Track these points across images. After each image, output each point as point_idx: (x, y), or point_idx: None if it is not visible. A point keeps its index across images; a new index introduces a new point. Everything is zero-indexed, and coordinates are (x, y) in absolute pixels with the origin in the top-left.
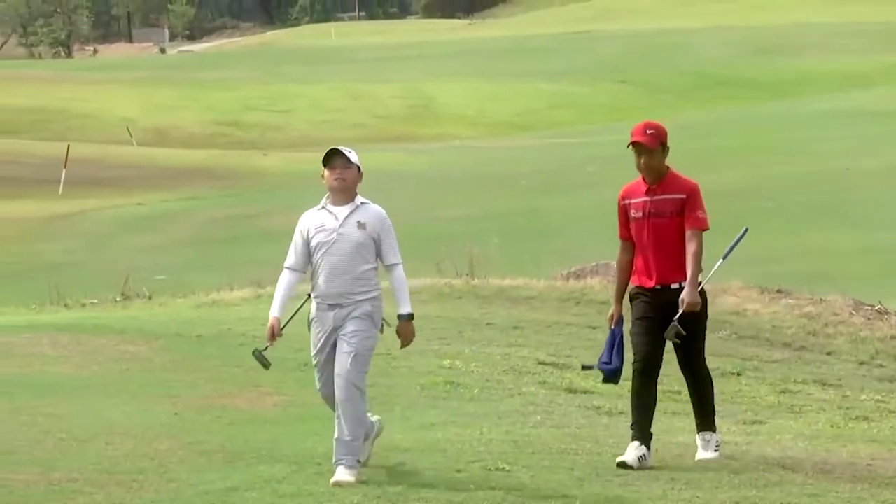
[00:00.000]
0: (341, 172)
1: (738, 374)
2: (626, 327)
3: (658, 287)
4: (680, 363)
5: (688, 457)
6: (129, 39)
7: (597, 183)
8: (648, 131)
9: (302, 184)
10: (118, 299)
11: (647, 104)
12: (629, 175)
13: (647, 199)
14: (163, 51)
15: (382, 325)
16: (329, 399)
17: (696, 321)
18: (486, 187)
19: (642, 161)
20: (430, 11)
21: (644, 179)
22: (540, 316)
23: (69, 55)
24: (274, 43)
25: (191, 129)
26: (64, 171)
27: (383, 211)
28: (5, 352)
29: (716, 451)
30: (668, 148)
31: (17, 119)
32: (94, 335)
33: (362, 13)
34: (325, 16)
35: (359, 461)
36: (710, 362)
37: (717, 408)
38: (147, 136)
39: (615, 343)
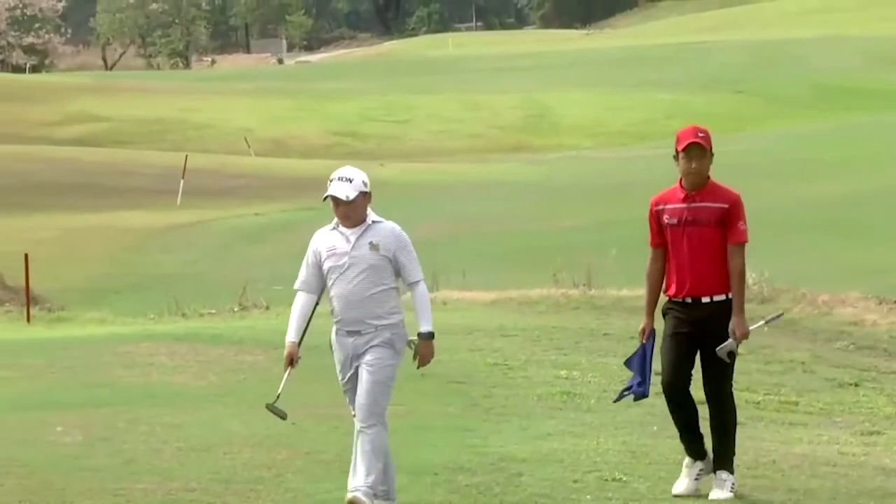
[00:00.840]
0: (346, 210)
1: (856, 385)
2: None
3: (689, 300)
4: (704, 388)
5: (805, 468)
6: (247, 50)
7: None
8: (700, 134)
9: (419, 194)
10: (236, 309)
11: (764, 114)
12: (745, 186)
13: (684, 205)
14: (280, 61)
15: (410, 343)
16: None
17: (727, 333)
18: (602, 197)
19: (693, 165)
20: (547, 22)
21: (682, 186)
22: (657, 326)
23: (187, 66)
24: (391, 53)
25: (308, 139)
26: (182, 182)
27: (398, 227)
28: (125, 361)
29: (731, 491)
30: (713, 154)
31: (136, 130)
32: (212, 345)
33: (479, 24)
34: (443, 26)
35: (375, 494)
36: (829, 373)
37: (835, 419)
38: (265, 146)
39: (646, 359)
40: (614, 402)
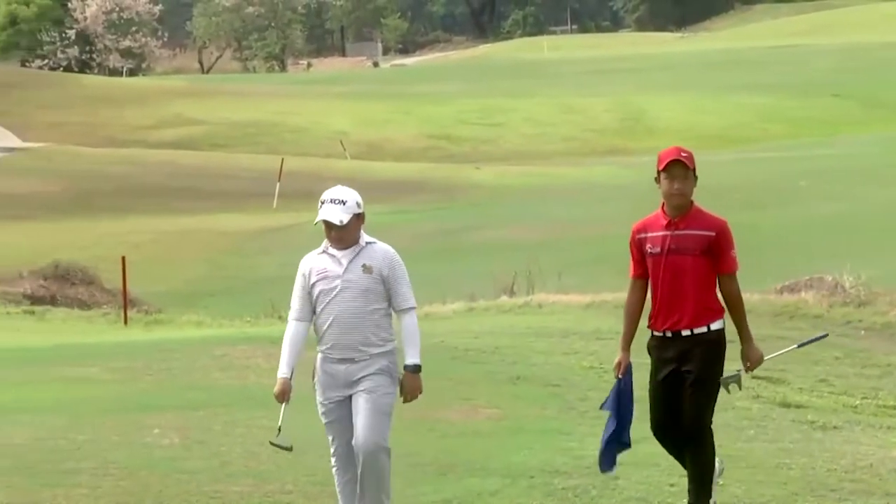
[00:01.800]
0: (339, 234)
1: None
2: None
3: (669, 333)
4: (682, 420)
5: None
6: (343, 53)
7: (809, 197)
8: (682, 154)
9: (514, 197)
10: None
11: (861, 119)
12: (841, 190)
13: (667, 233)
14: (376, 65)
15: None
16: (347, 462)
17: (707, 368)
18: (699, 200)
19: (675, 186)
20: (642, 24)
21: (664, 212)
22: (753, 330)
23: (283, 69)
24: (486, 56)
25: (403, 142)
26: (278, 185)
27: (391, 250)
28: (222, 364)
29: None
30: (697, 178)
31: (232, 133)
32: (307, 347)
33: (574, 26)
34: (538, 29)
35: None
36: None
37: None
38: (360, 149)
39: (623, 399)
40: (602, 471)
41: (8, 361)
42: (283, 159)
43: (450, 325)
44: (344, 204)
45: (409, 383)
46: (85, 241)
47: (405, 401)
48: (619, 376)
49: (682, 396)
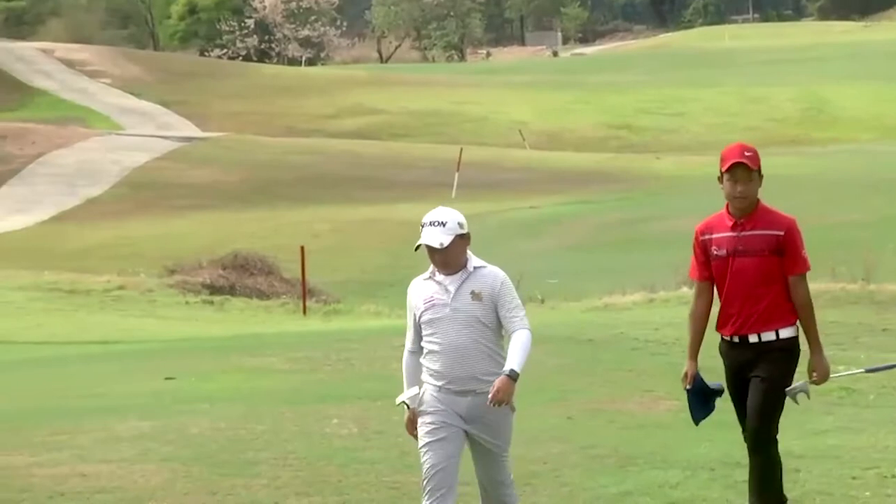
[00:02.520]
0: (442, 258)
1: None
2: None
3: (736, 339)
4: (744, 430)
5: None
6: (522, 42)
7: None
8: (746, 153)
9: (696, 188)
10: None
11: None
12: None
13: (733, 234)
14: (555, 54)
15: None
16: (441, 480)
17: (774, 375)
18: (882, 192)
19: (739, 189)
20: (824, 13)
21: (729, 212)
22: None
23: (462, 58)
24: (667, 45)
25: (583, 132)
26: (457, 175)
27: (500, 273)
28: (400, 354)
29: None
30: (762, 177)
31: (412, 123)
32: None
33: (756, 15)
34: (719, 18)
35: None
36: None
37: None
38: (539, 139)
39: (698, 402)
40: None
41: (188, 351)
42: (461, 149)
43: (630, 316)
44: (444, 226)
45: (501, 384)
46: (264, 230)
47: (490, 400)
48: (687, 387)
49: (748, 398)
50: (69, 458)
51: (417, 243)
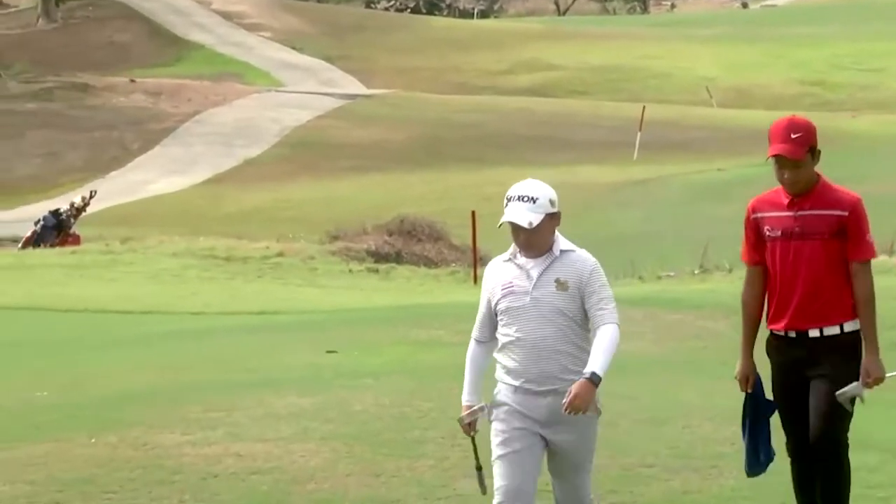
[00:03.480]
0: (528, 238)
1: None
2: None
3: (793, 334)
4: (811, 434)
5: None
6: None
7: None
8: (793, 135)
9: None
10: (696, 272)
11: None
12: None
13: (790, 213)
14: (745, 5)
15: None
16: (517, 500)
17: (840, 374)
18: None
19: (786, 176)
20: None
21: (785, 190)
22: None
23: (645, 10)
24: None
25: (774, 88)
26: (639, 135)
27: (591, 259)
28: None
29: None
30: (819, 152)
31: (591, 79)
32: (670, 310)
33: None
34: None
35: None
36: None
37: None
38: (727, 96)
39: (758, 419)
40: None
41: (350, 322)
42: (644, 107)
43: None
44: (534, 202)
45: (579, 389)
46: (433, 193)
47: (566, 407)
48: (748, 391)
49: (810, 408)
50: (223, 437)
51: (501, 220)
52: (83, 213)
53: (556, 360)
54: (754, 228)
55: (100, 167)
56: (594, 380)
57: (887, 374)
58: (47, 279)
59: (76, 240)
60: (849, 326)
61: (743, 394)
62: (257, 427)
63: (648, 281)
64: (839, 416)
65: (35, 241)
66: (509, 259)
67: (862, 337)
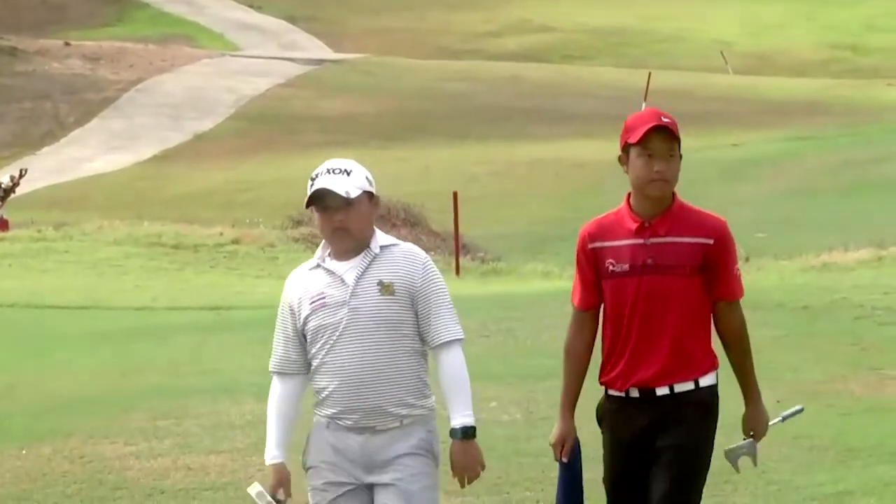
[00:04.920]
0: (343, 220)
1: None
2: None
3: (635, 394)
4: None
5: None
6: None
7: None
8: (664, 118)
9: None
10: None
11: None
12: None
13: (639, 241)
14: None
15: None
16: None
17: (694, 436)
18: None
19: (656, 168)
20: None
21: (631, 209)
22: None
23: None
24: None
25: (800, 53)
26: (644, 105)
27: (420, 254)
28: None
29: None
30: (681, 157)
31: (590, 42)
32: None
33: None
34: None
35: None
36: None
37: None
38: (745, 62)
39: (571, 491)
40: None
41: None
42: (650, 74)
43: (853, 277)
44: (348, 174)
45: (462, 457)
46: (409, 173)
47: (462, 484)
48: (563, 459)
49: (654, 482)
50: (172, 449)
51: (307, 197)
52: (11, 195)
53: (382, 390)
54: (591, 262)
55: (30, 142)
56: (465, 434)
57: (770, 422)
58: None
59: (3, 225)
60: (705, 381)
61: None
62: (210, 437)
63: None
64: (690, 487)
65: None
66: (317, 265)
67: (742, 385)
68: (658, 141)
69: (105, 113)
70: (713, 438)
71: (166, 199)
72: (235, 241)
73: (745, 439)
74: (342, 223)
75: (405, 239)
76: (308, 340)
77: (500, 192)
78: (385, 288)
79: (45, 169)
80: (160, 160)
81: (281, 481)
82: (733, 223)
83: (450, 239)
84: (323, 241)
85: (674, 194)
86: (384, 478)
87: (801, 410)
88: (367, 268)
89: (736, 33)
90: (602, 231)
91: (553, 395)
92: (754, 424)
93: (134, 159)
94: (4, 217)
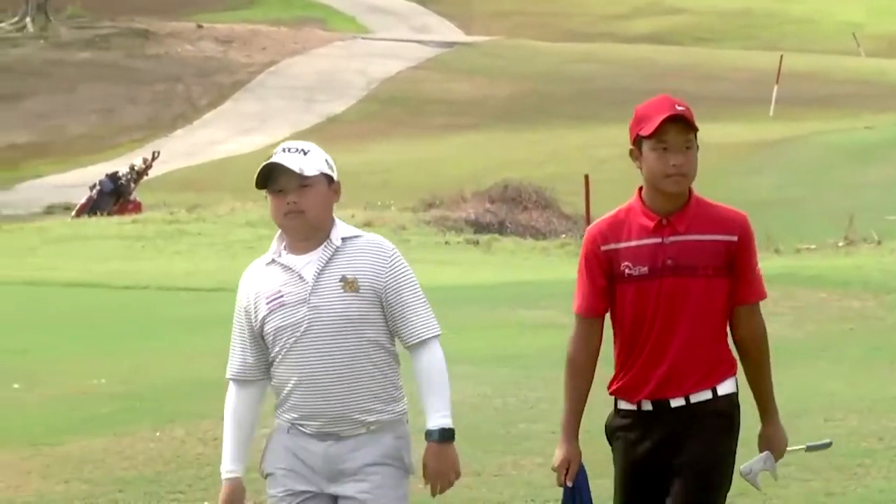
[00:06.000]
0: (299, 202)
1: None
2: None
3: (648, 406)
4: None
5: None
6: None
7: None
8: (678, 107)
9: None
10: (840, 244)
11: None
12: None
13: (657, 240)
14: None
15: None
16: None
17: (712, 450)
18: None
19: (672, 162)
20: None
21: (646, 206)
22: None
23: None
24: None
25: None
26: (776, 88)
27: (386, 245)
28: None
29: None
30: (698, 147)
31: (720, 25)
32: (811, 287)
33: None
34: None
35: None
36: None
37: None
38: (878, 44)
39: None
40: None
41: (447, 301)
42: (781, 57)
43: None
44: (305, 154)
45: (436, 462)
46: (540, 155)
47: (433, 492)
48: (568, 483)
49: (670, 502)
50: None
51: (258, 175)
52: (144, 177)
53: (348, 395)
54: (605, 266)
55: (163, 125)
56: (442, 437)
57: (791, 448)
58: (104, 252)
59: (137, 207)
60: (723, 388)
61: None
62: None
63: (786, 254)
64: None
65: (91, 208)
66: (272, 261)
67: (758, 399)
68: (674, 132)
69: (237, 95)
70: (734, 453)
71: None
72: (367, 224)
73: (762, 456)
74: (296, 205)
75: (538, 221)
76: (267, 343)
77: (629, 174)
78: (348, 284)
79: (177, 151)
80: None
81: (232, 499)
82: (864, 206)
83: (581, 221)
84: (278, 232)
85: (690, 189)
86: (348, 489)
87: (829, 445)
88: (327, 262)
89: (866, 15)
90: (614, 231)
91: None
92: (771, 444)
93: (266, 142)
94: (138, 199)
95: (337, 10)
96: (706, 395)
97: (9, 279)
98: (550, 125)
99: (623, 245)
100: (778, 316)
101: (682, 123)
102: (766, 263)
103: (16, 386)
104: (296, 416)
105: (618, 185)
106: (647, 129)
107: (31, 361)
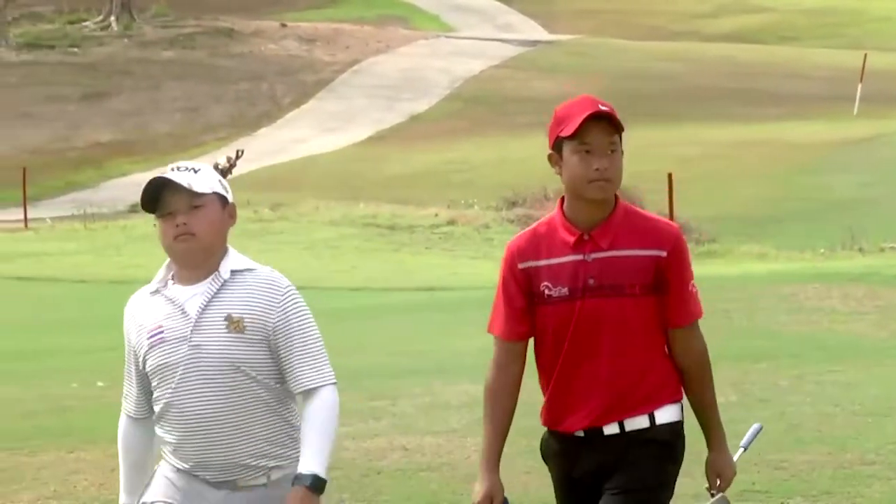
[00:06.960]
0: (186, 220)
1: None
2: None
3: (580, 433)
4: None
5: None
6: None
7: None
8: (602, 106)
9: None
10: None
11: None
12: None
13: (578, 258)
14: None
15: None
16: None
17: (647, 479)
18: None
19: (595, 166)
20: None
21: (566, 218)
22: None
23: None
24: None
25: None
26: (860, 87)
27: (281, 280)
28: (789, 306)
29: None
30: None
31: (804, 23)
32: (895, 287)
33: None
34: None
35: None
36: None
37: None
38: None
39: None
40: None
41: None
42: (865, 55)
43: None
44: (196, 172)
45: None
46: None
47: None
48: None
49: None
50: (388, 429)
51: (144, 194)
52: (228, 176)
53: (238, 442)
54: (522, 285)
55: (247, 124)
56: (316, 486)
57: (735, 458)
58: None
59: None
60: (662, 415)
61: None
62: (425, 418)
63: (870, 253)
64: None
65: None
66: (156, 290)
67: (703, 425)
68: (597, 133)
69: (321, 94)
70: (672, 484)
71: (381, 180)
72: (451, 223)
73: (711, 494)
74: (186, 227)
75: None
76: (151, 382)
77: (711, 172)
78: (233, 323)
79: (261, 150)
80: (375, 141)
81: None
82: None
83: None
84: (167, 260)
85: (616, 198)
86: None
87: (760, 429)
88: (213, 296)
89: None
90: (533, 247)
91: (768, 378)
92: (720, 470)
93: (349, 140)
94: None
95: (420, 8)
96: (643, 422)
97: (94, 277)
98: (633, 123)
99: (543, 263)
100: (862, 315)
101: (605, 123)
102: (850, 263)
103: (100, 384)
104: (186, 466)
105: (701, 183)
106: (568, 130)
107: (117, 359)
